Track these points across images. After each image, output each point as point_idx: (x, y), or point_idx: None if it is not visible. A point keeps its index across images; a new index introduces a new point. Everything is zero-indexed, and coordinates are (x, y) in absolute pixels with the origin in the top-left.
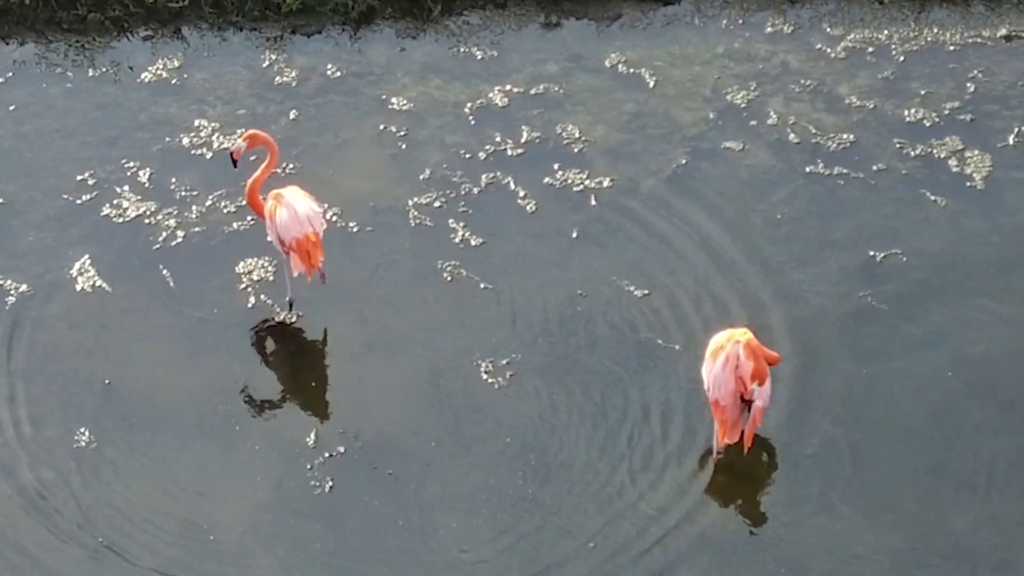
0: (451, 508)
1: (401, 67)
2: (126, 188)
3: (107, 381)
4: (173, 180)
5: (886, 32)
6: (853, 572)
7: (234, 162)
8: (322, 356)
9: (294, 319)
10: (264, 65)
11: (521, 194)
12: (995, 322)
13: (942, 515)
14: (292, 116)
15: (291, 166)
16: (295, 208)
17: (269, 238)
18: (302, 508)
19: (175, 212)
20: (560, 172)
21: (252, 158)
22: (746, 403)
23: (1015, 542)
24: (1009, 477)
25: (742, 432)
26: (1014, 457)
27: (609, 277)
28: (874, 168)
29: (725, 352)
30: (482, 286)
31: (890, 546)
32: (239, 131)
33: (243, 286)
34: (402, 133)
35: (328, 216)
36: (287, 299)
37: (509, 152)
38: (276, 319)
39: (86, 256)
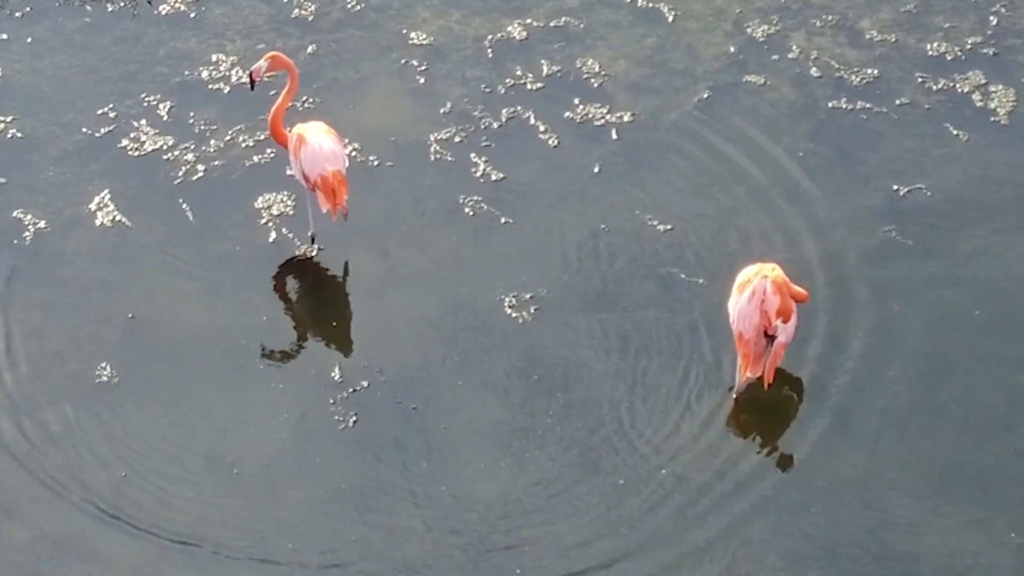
0: (476, 444)
1: (421, 1)
2: (145, 123)
3: (130, 315)
4: (192, 114)
5: None
6: (881, 508)
7: (252, 83)
8: (344, 291)
9: (315, 253)
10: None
11: (542, 128)
12: (1020, 256)
13: (969, 448)
14: (311, 50)
15: (311, 101)
16: (320, 145)
17: (291, 172)
18: (326, 443)
19: (194, 146)
20: (581, 107)
21: (271, 92)
22: (770, 338)
23: None
24: None
25: (764, 366)
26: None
27: (632, 211)
28: (897, 103)
29: (752, 286)
30: (503, 220)
31: (918, 480)
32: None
33: (264, 220)
34: (422, 68)
35: (349, 152)
36: (309, 233)
37: (530, 87)
38: (298, 254)
39: (106, 191)
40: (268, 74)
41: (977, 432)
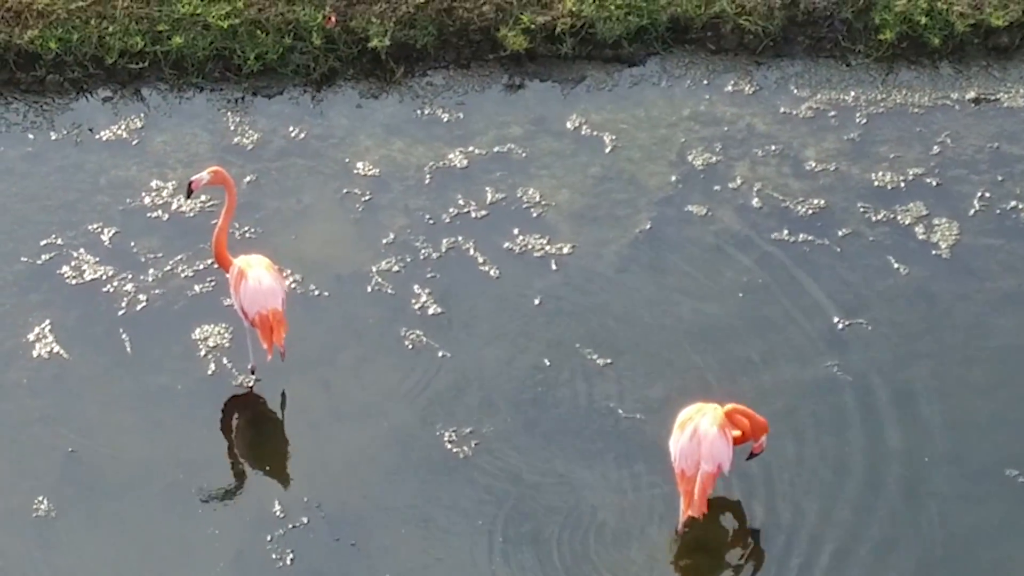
0: None
1: (363, 129)
2: (85, 252)
3: (70, 449)
4: (133, 244)
5: (853, 94)
6: None
7: (189, 192)
8: (284, 424)
9: (253, 384)
10: (225, 127)
11: (483, 259)
12: (965, 391)
13: None
14: (251, 179)
15: (252, 231)
16: (260, 281)
17: (229, 303)
18: None
19: (135, 276)
20: (522, 237)
21: (212, 221)
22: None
23: None
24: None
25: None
26: (984, 533)
27: (572, 345)
28: (840, 234)
29: (693, 424)
30: (440, 354)
31: None
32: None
33: (203, 352)
34: (365, 197)
35: (290, 283)
36: (249, 366)
37: (472, 216)
38: (238, 386)
39: (46, 321)
40: (206, 185)
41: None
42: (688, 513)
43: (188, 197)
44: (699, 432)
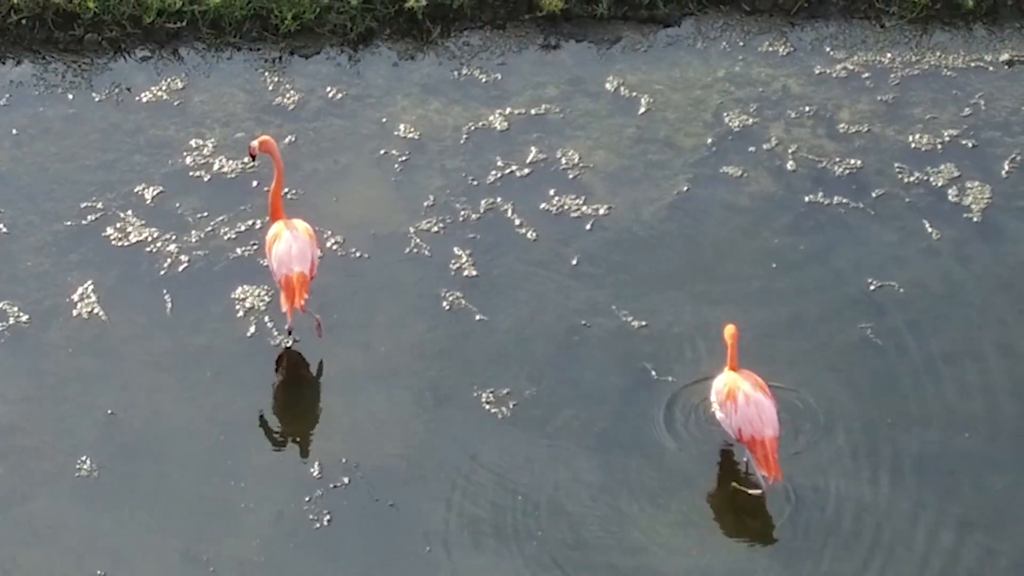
0: (452, 542)
1: (400, 90)
2: (125, 213)
3: (109, 411)
4: (173, 204)
5: (888, 55)
6: None
7: (252, 156)
8: (322, 385)
9: (291, 344)
10: (262, 87)
11: (521, 221)
12: (999, 354)
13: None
14: (290, 140)
15: (293, 192)
16: (292, 245)
17: (266, 263)
18: (302, 541)
19: (176, 237)
20: (558, 198)
21: (254, 183)
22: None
23: None
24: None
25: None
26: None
27: (608, 307)
28: (874, 195)
29: (742, 391)
30: (477, 318)
31: None
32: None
33: (242, 314)
34: (403, 158)
35: (330, 244)
36: (287, 327)
37: (509, 177)
38: (276, 347)
39: (87, 282)
40: (258, 153)
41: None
42: (769, 476)
43: (251, 159)
44: (752, 399)
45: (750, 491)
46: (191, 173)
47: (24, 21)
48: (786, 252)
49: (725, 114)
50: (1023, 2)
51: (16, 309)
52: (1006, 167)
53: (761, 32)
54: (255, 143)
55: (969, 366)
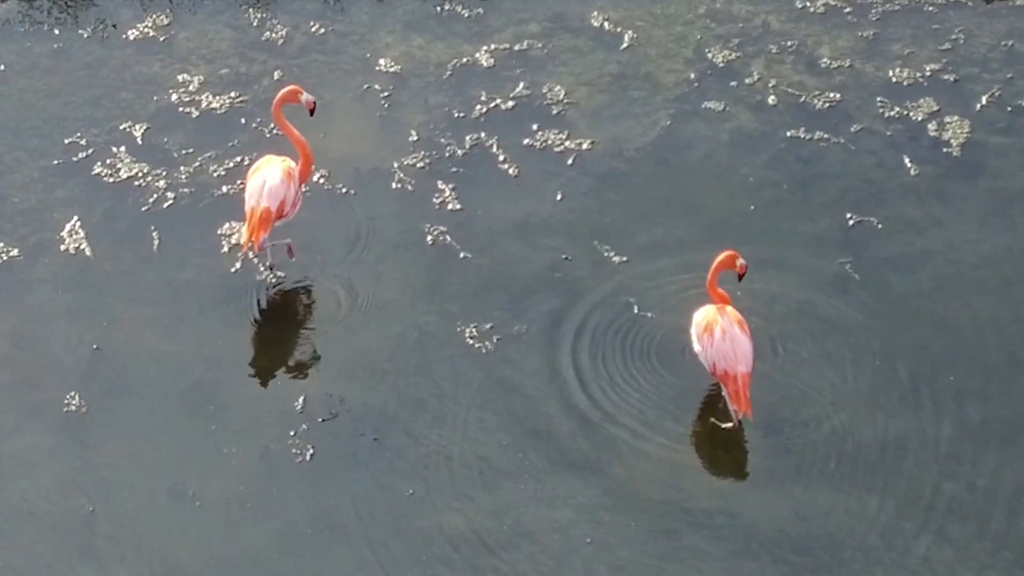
0: (436, 475)
1: (384, 26)
2: (112, 149)
3: (95, 347)
4: (159, 141)
5: None
6: None
7: (312, 111)
8: (307, 320)
9: (275, 281)
10: (247, 23)
11: (504, 156)
12: (977, 289)
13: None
14: (276, 76)
15: (276, 129)
16: (264, 180)
17: None
18: (288, 475)
19: (161, 174)
20: (541, 133)
21: (242, 120)
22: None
23: None
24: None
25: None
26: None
27: (591, 242)
28: (854, 130)
29: (719, 325)
30: (463, 253)
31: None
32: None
33: (227, 250)
34: (386, 94)
35: (316, 179)
36: (268, 263)
37: (492, 113)
38: (261, 283)
39: (75, 218)
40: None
41: (933, 467)
42: (740, 411)
43: (312, 114)
44: (728, 334)
45: (723, 425)
46: (178, 109)
47: None
48: (766, 187)
49: (707, 50)
50: None
51: (2, 245)
52: (984, 102)
53: None
54: (311, 97)
55: (950, 302)
